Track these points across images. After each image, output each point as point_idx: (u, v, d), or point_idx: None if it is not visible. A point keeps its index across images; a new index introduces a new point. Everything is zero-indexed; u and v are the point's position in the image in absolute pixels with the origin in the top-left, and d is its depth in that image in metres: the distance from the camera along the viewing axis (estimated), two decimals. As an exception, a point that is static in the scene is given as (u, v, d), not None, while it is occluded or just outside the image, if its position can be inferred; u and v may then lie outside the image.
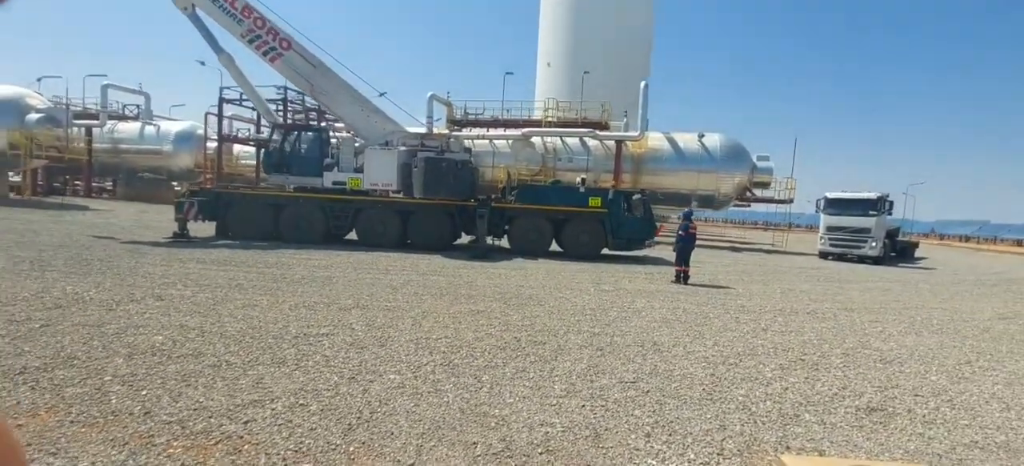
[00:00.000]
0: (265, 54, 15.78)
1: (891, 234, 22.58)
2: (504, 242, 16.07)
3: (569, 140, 27.12)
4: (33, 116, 25.15)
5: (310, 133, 17.48)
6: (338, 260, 11.96)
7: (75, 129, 34.11)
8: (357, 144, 16.91)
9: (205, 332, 5.45)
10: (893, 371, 5.60)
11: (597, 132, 26.56)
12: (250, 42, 15.66)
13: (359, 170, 16.12)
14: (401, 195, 16.01)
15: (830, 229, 21.77)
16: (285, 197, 15.99)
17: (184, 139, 35.50)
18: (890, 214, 21.87)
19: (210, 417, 3.41)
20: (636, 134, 25.80)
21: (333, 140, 17.81)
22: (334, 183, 16.07)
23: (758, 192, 26.41)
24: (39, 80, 35.97)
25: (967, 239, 53.63)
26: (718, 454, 3.38)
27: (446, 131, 27.19)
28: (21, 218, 18.01)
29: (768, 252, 24.80)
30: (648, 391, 4.45)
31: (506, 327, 6.47)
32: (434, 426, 3.49)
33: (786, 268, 17.24)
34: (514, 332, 6.23)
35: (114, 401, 3.58)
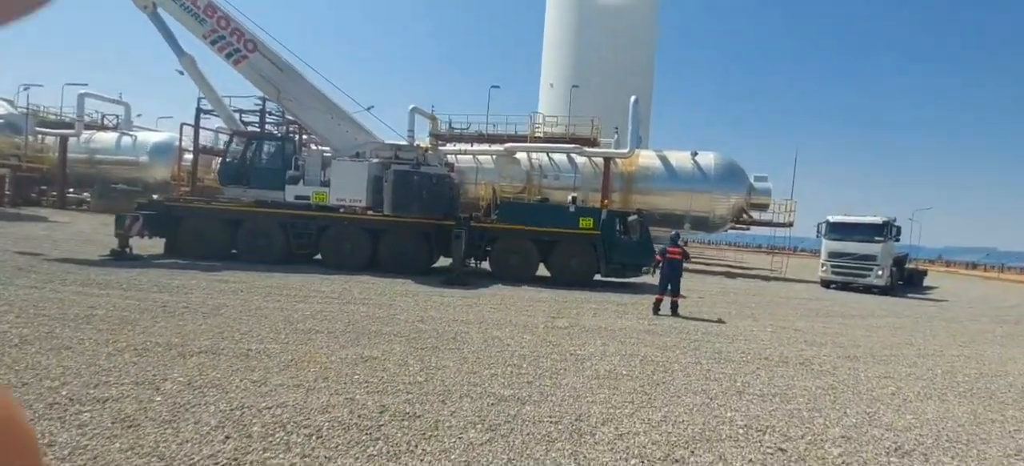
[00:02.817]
0: (229, 57, 14.49)
1: (899, 261, 20.75)
2: (487, 266, 14.39)
3: (556, 156, 25.58)
4: (-11, 123, 23.92)
5: (272, 142, 15.95)
6: (258, 283, 10.34)
7: (49, 138, 33.10)
8: (325, 155, 15.41)
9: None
10: (914, 471, 3.88)
11: (584, 148, 25.04)
12: (213, 44, 14.39)
13: (326, 184, 14.54)
14: (372, 212, 14.37)
15: (833, 255, 19.89)
16: (242, 212, 14.38)
17: (161, 151, 34.24)
18: (897, 240, 20.06)
19: None
20: (625, 151, 24.26)
21: (303, 152, 16.34)
22: (297, 197, 14.46)
23: (756, 214, 24.65)
24: (26, 88, 34.74)
25: (974, 266, 51.58)
26: None
27: (427, 144, 25.77)
28: (-52, 229, 16.58)
29: (766, 279, 22.99)
30: (519, 525, 2.76)
31: (384, 388, 4.79)
32: None
33: (783, 298, 15.45)
34: (389, 396, 4.56)
35: None
